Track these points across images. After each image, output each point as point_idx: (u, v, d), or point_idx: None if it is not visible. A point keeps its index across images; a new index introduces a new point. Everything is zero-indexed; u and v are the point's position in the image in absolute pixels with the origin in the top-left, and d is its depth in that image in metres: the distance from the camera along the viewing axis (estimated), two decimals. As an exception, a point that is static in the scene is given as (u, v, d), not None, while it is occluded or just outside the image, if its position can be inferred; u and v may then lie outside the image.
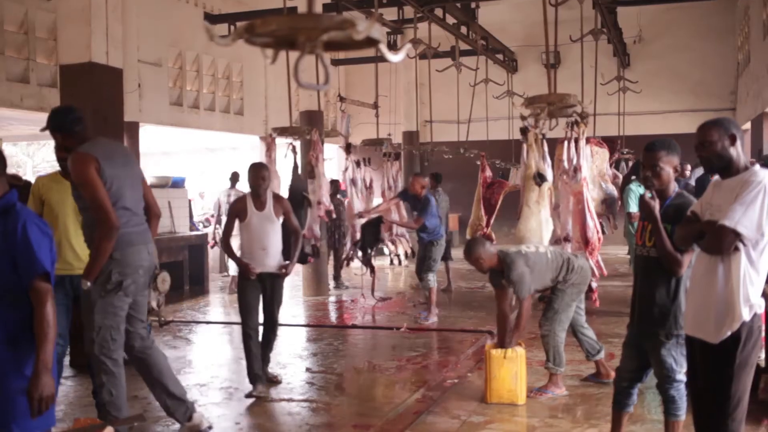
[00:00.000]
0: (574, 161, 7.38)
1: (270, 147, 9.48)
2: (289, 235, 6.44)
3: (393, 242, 11.63)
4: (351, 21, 1.84)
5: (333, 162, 20.20)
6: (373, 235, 9.66)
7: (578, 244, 7.43)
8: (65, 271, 5.24)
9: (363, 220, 10.22)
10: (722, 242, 3.29)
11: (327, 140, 12.12)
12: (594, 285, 7.81)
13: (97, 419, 5.43)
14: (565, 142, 7.51)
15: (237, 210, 6.28)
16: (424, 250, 9.43)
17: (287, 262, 6.31)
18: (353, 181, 11.15)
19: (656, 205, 3.88)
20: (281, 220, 6.33)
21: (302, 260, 9.71)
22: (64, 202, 5.21)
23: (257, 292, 6.28)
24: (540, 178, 7.50)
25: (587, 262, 6.38)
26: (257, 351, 6.29)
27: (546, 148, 8.14)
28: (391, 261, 13.90)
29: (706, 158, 3.50)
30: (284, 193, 8.64)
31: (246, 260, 6.19)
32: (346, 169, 11.21)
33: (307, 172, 9.28)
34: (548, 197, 7.48)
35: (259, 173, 6.17)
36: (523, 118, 7.57)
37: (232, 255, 6.64)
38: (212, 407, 5.98)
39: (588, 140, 9.09)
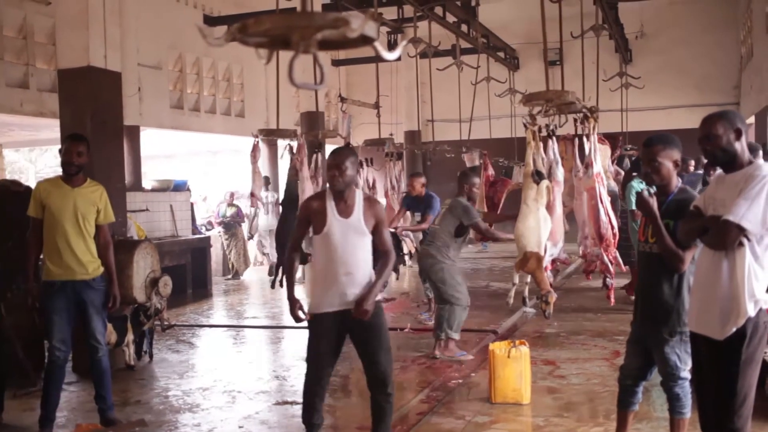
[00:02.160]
0: (579, 158, 7.35)
1: (255, 148, 9.45)
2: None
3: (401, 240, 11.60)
4: (345, 19, 1.81)
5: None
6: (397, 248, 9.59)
7: (593, 240, 7.38)
8: (66, 277, 5.21)
9: None
10: (726, 237, 3.25)
11: (328, 141, 12.07)
12: (609, 282, 7.77)
13: (99, 425, 5.44)
14: (575, 139, 7.47)
15: (309, 213, 4.45)
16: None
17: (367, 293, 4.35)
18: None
19: (654, 202, 3.83)
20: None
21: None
22: (65, 207, 5.19)
23: (334, 336, 4.48)
24: (538, 175, 7.46)
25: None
26: (319, 404, 4.67)
27: (556, 145, 8.07)
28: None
29: (710, 152, 3.45)
30: (282, 194, 8.55)
31: (320, 291, 4.46)
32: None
33: (291, 175, 9.21)
34: (547, 195, 7.43)
35: (340, 160, 4.31)
36: (531, 116, 7.49)
37: (290, 279, 4.60)
38: (215, 411, 5.95)
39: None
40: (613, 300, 7.77)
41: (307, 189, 9.09)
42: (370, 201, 4.46)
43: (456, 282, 7.25)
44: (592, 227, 7.32)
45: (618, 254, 7.78)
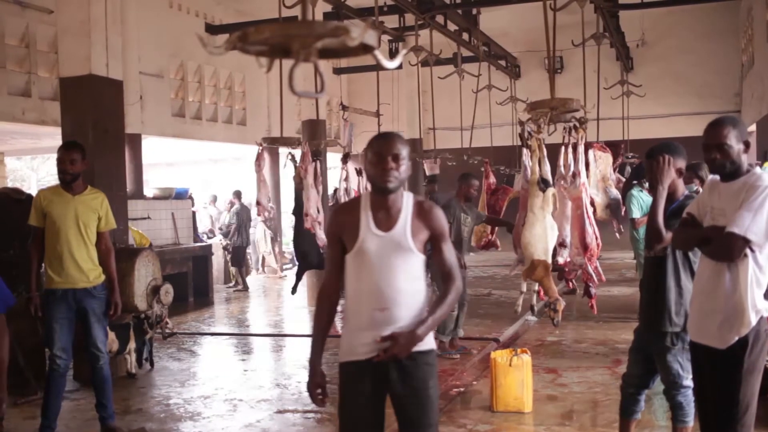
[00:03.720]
0: (572, 167, 7.35)
1: (259, 156, 9.46)
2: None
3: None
4: (345, 27, 1.81)
5: (336, 171, 20.17)
6: None
7: (577, 249, 7.40)
8: (68, 285, 5.21)
9: None
10: (732, 250, 3.21)
11: (330, 150, 12.08)
12: (593, 291, 7.78)
13: (100, 433, 5.43)
14: (562, 148, 7.48)
15: (340, 228, 3.21)
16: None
17: (414, 329, 3.05)
18: (346, 191, 11.13)
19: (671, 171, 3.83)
20: (423, 249, 3.20)
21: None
22: (66, 215, 5.19)
23: (369, 395, 3.15)
24: (544, 183, 7.46)
25: None
26: None
27: (545, 153, 8.08)
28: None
29: (720, 162, 3.34)
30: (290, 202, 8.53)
31: (349, 331, 3.20)
32: (347, 177, 11.16)
33: (297, 183, 9.22)
34: (553, 203, 7.44)
35: (397, 147, 3.10)
36: (521, 123, 7.54)
37: (316, 337, 3.30)
38: (216, 419, 5.94)
39: (591, 144, 9.06)
40: (596, 309, 7.79)
41: (312, 197, 9.11)
42: (422, 207, 3.17)
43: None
44: (576, 237, 7.34)
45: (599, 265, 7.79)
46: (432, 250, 3.19)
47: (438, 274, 3.22)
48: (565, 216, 7.39)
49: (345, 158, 10.95)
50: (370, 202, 3.17)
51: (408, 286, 3.12)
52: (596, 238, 7.30)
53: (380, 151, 3.08)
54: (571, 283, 8.35)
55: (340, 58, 2.15)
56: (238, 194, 14.95)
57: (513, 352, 5.87)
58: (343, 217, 3.22)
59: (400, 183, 3.11)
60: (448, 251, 3.21)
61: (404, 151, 3.10)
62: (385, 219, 3.13)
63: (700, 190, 5.38)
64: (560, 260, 7.45)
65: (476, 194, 8.18)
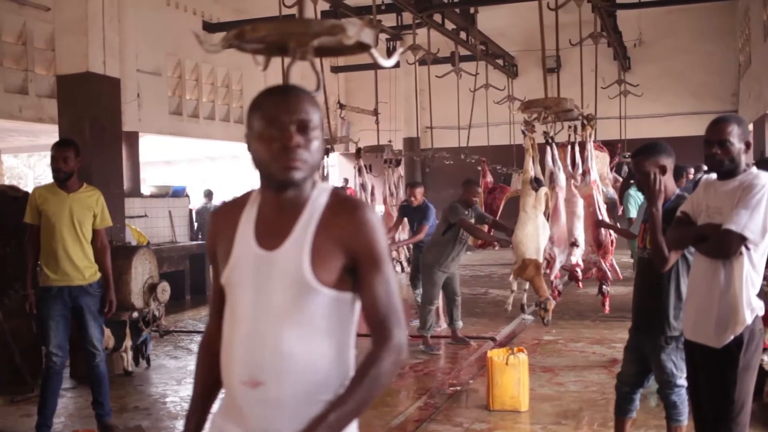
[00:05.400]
0: (581, 165, 7.34)
1: None
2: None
3: (395, 249, 11.60)
4: (341, 26, 1.81)
5: (335, 169, 20.18)
6: None
7: (591, 247, 7.39)
8: (63, 283, 5.20)
9: None
10: (729, 247, 3.23)
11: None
12: (606, 290, 7.79)
13: (97, 431, 5.43)
14: (568, 147, 7.48)
15: (214, 238, 2.05)
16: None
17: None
18: (363, 186, 11.17)
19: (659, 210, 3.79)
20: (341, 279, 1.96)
21: None
22: (62, 212, 5.18)
23: None
24: (537, 182, 7.47)
25: None
26: None
27: (556, 152, 8.06)
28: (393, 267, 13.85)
29: (719, 159, 3.34)
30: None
31: (220, 408, 2.08)
32: (361, 173, 11.20)
33: None
34: (545, 202, 7.44)
35: (288, 110, 1.85)
36: (526, 122, 7.53)
37: (195, 392, 2.19)
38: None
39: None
40: (608, 308, 7.77)
41: None
42: (341, 209, 1.91)
43: (426, 282, 8.04)
44: (590, 235, 7.32)
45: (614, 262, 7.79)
46: (357, 283, 1.91)
47: (371, 318, 1.93)
48: (576, 215, 7.36)
49: (358, 153, 10.97)
50: (258, 202, 1.98)
51: (302, 348, 1.85)
52: (609, 235, 7.31)
53: (277, 116, 1.85)
54: (557, 292, 8.27)
55: (337, 56, 2.15)
56: (208, 194, 15.06)
57: (509, 351, 5.87)
58: (220, 224, 2.04)
59: (310, 170, 1.89)
60: (383, 286, 1.91)
61: (316, 117, 1.89)
62: (275, 229, 1.90)
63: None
64: (573, 260, 7.44)
65: (476, 201, 8.22)
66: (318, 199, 1.92)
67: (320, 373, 1.88)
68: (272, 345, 1.86)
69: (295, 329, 1.86)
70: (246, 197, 2.02)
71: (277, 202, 1.92)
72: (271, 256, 1.88)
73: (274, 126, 1.85)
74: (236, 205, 2.02)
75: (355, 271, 1.90)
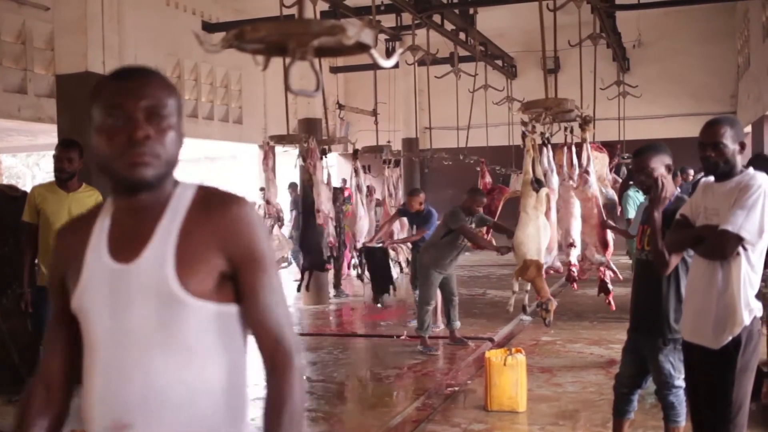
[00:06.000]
0: (577, 167, 7.35)
1: (267, 155, 9.43)
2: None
3: (394, 249, 11.59)
4: (341, 26, 1.81)
5: (334, 169, 20.15)
6: (384, 279, 9.90)
7: (596, 248, 7.41)
8: (61, 282, 5.19)
9: (364, 239, 10.31)
10: (726, 247, 3.23)
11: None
12: (610, 287, 7.82)
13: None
14: (564, 148, 7.49)
15: (61, 257, 1.74)
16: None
17: None
18: (358, 188, 11.15)
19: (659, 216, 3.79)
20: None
21: (320, 267, 9.89)
22: (60, 212, 5.18)
23: None
24: (538, 183, 7.47)
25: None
26: None
27: (551, 153, 8.09)
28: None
29: (714, 161, 3.35)
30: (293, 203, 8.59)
31: None
32: (357, 174, 11.19)
33: (305, 180, 9.25)
34: (546, 203, 7.45)
35: (133, 97, 1.58)
36: (524, 123, 7.53)
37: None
38: (211, 417, 5.93)
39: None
40: (614, 305, 7.79)
41: (323, 193, 9.12)
42: (211, 206, 1.65)
43: (423, 283, 8.03)
44: (596, 236, 7.36)
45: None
46: (238, 292, 1.64)
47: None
48: (573, 216, 7.38)
49: (355, 154, 10.97)
50: (112, 211, 1.69)
51: (176, 378, 1.56)
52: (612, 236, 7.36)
53: (119, 103, 1.57)
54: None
55: (337, 56, 2.15)
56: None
57: (507, 352, 5.89)
58: (66, 246, 1.73)
59: (164, 166, 1.61)
60: (270, 295, 1.65)
61: (170, 102, 1.62)
62: (131, 237, 1.63)
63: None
64: (571, 261, 7.44)
65: (479, 212, 8.21)
66: (182, 197, 1.64)
67: (203, 407, 1.56)
68: (138, 377, 1.54)
69: (165, 355, 1.55)
70: (96, 209, 1.74)
71: (132, 208, 1.63)
72: (128, 270, 1.58)
73: (117, 115, 1.55)
74: (85, 220, 1.73)
75: (237, 277, 1.63)
